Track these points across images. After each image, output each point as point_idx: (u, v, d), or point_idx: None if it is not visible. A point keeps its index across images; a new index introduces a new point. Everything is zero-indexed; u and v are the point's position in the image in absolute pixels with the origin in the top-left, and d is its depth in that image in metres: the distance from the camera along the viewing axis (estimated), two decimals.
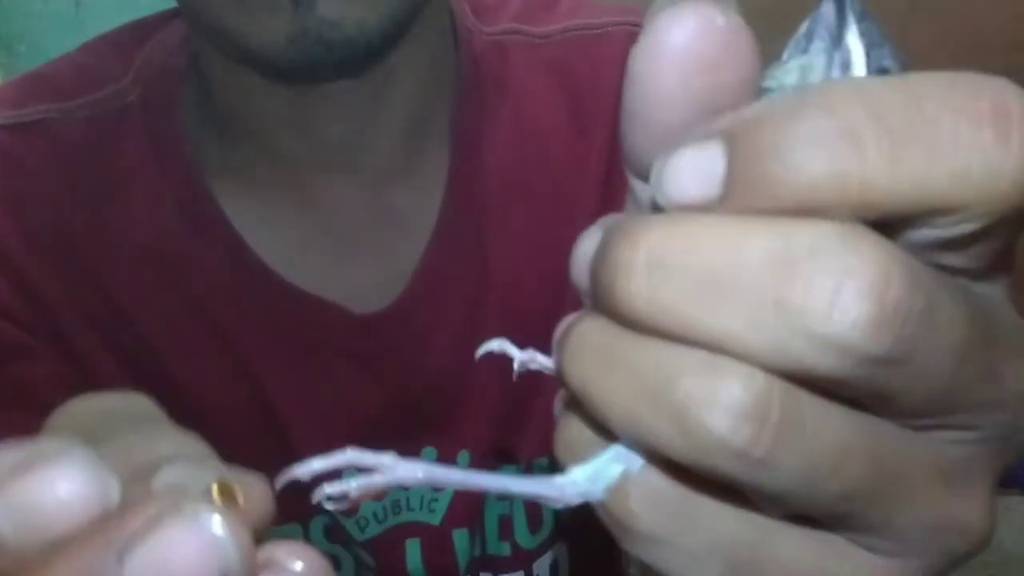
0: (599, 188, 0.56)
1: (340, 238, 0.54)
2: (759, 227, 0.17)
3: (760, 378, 0.17)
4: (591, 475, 0.21)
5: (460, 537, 0.56)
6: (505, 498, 0.57)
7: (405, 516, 0.55)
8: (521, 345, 0.57)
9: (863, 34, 0.20)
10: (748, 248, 0.17)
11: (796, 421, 0.17)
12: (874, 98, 0.17)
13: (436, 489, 0.56)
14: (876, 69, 0.20)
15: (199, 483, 0.18)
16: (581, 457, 0.21)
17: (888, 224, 0.17)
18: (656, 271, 0.17)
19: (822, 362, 0.17)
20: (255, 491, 0.19)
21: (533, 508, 0.57)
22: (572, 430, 0.22)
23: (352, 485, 0.20)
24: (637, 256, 0.18)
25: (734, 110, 0.18)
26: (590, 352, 0.19)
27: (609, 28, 0.59)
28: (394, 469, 0.20)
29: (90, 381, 0.50)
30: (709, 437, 0.17)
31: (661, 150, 0.18)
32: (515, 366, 0.25)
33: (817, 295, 0.16)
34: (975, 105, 0.17)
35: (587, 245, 0.21)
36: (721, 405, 0.17)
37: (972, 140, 0.16)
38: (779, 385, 0.17)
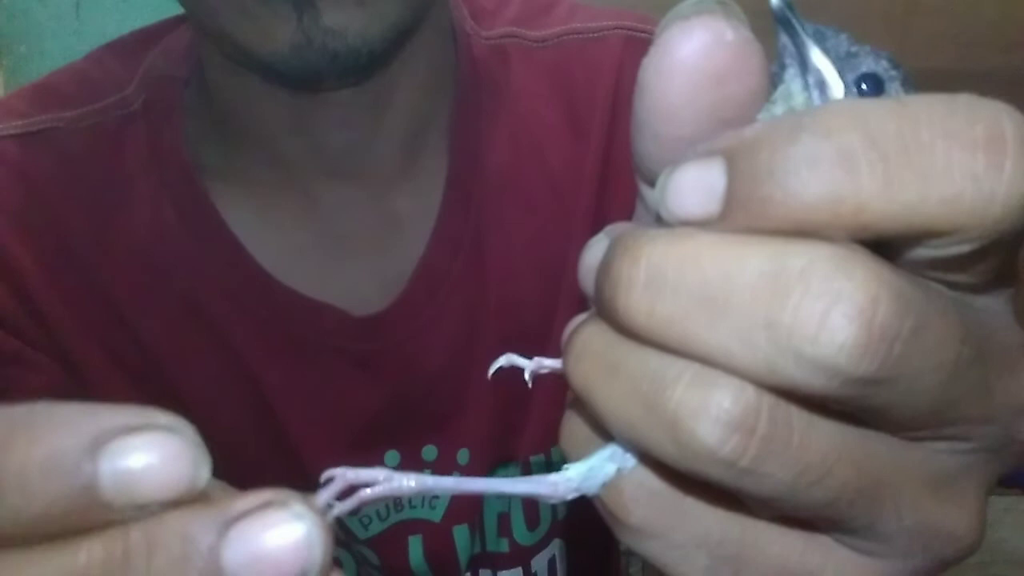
0: (594, 189, 0.57)
1: (340, 241, 0.54)
2: (754, 248, 0.17)
3: (750, 391, 0.18)
4: (586, 473, 0.22)
5: (461, 534, 0.56)
6: (503, 496, 0.57)
7: (407, 513, 0.56)
8: (518, 341, 0.58)
9: (828, 51, 0.21)
10: (742, 268, 0.17)
11: (783, 433, 0.18)
12: (870, 123, 0.17)
13: None
14: (858, 77, 0.21)
15: None
16: (581, 451, 0.22)
17: (887, 242, 0.18)
18: (655, 287, 0.18)
19: (810, 382, 0.17)
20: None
21: (531, 506, 0.58)
22: (574, 426, 0.23)
23: (353, 499, 0.21)
24: (638, 272, 0.18)
25: (742, 123, 0.19)
26: (592, 357, 0.20)
27: (605, 32, 0.59)
28: (389, 480, 0.21)
29: (89, 390, 0.50)
30: (698, 445, 0.18)
31: (669, 159, 0.19)
32: (527, 376, 0.26)
33: (806, 318, 0.17)
34: (970, 131, 0.17)
35: (594, 253, 0.21)
36: (711, 416, 0.18)
37: (965, 166, 0.17)
38: (768, 399, 0.18)
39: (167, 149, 0.53)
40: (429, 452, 0.56)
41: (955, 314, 0.18)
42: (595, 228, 0.62)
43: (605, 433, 0.21)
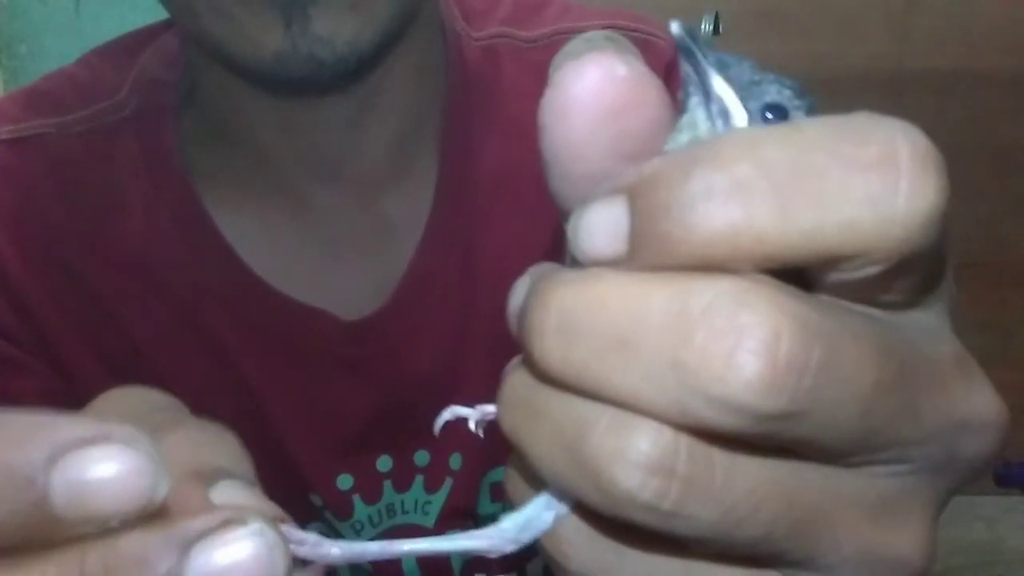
0: None
1: (330, 246, 0.54)
2: (659, 286, 0.17)
3: (667, 433, 0.17)
4: (523, 523, 0.22)
5: None
6: (498, 499, 0.57)
7: (400, 519, 0.56)
8: (509, 344, 0.57)
9: (730, 79, 0.21)
10: (648, 308, 0.17)
11: (705, 473, 0.18)
12: (763, 151, 0.17)
13: (430, 491, 0.56)
14: (763, 106, 0.21)
15: (248, 502, 0.20)
16: (522, 498, 0.22)
17: (804, 270, 0.18)
18: (565, 332, 0.18)
19: (721, 421, 0.17)
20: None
21: None
22: (511, 473, 0.23)
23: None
24: (548, 319, 0.18)
25: (649, 155, 0.19)
26: (518, 404, 0.20)
27: None
28: (317, 546, 0.21)
29: (81, 394, 0.50)
30: (619, 491, 0.18)
31: (580, 197, 0.19)
32: (471, 426, 0.26)
33: (711, 357, 0.17)
34: (863, 152, 0.17)
35: (517, 298, 0.21)
36: (629, 460, 0.17)
37: (860, 190, 0.17)
38: (686, 440, 0.18)
39: (159, 153, 0.53)
40: (421, 457, 0.55)
41: (871, 338, 0.18)
42: None
43: (539, 480, 0.21)
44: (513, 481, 0.22)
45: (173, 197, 0.52)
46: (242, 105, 0.51)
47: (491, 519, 0.63)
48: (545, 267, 0.22)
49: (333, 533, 0.54)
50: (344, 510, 0.54)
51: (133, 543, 0.17)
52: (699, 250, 0.17)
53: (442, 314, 0.54)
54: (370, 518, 0.55)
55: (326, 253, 0.54)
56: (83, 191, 0.52)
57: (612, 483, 0.18)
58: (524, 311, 0.19)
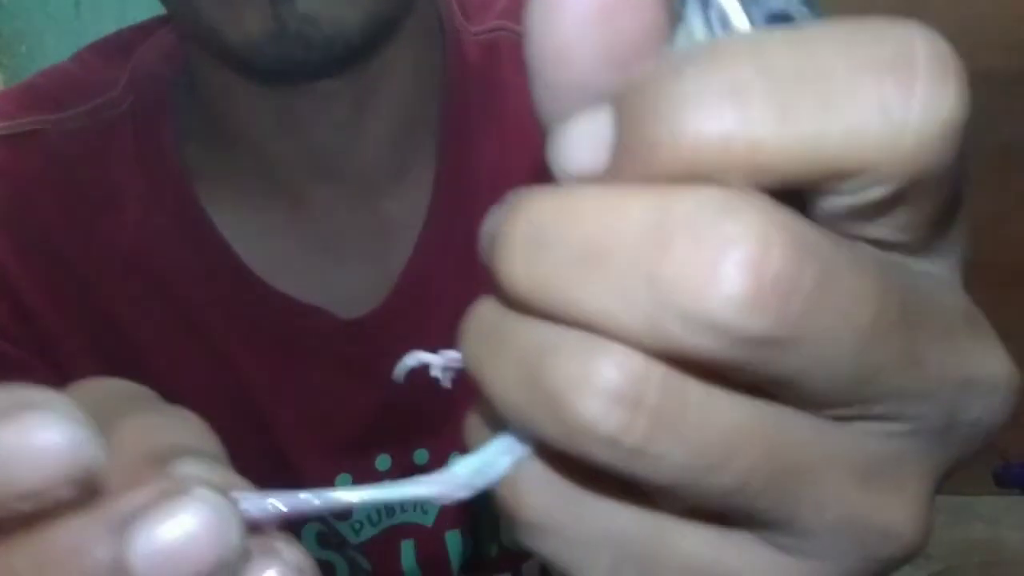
0: None
1: (328, 244, 0.54)
2: (638, 196, 0.15)
3: (637, 360, 0.16)
4: (478, 467, 0.20)
5: (452, 538, 0.56)
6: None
7: (399, 518, 0.56)
8: None
9: None
10: (624, 219, 0.15)
11: (676, 407, 0.16)
12: (764, 52, 0.15)
13: None
14: (767, 15, 0.18)
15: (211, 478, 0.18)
16: (476, 443, 0.20)
17: (798, 194, 0.16)
18: (532, 245, 0.16)
19: (697, 342, 0.15)
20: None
21: None
22: (473, 418, 0.21)
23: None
24: (516, 230, 0.17)
25: (639, 64, 0.17)
26: (482, 332, 0.18)
27: None
28: (257, 501, 0.18)
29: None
30: (579, 421, 0.16)
31: (565, 109, 0.17)
32: (436, 372, 0.24)
33: (690, 269, 0.15)
34: (876, 53, 0.15)
35: (489, 223, 0.19)
36: (592, 387, 0.16)
37: (870, 92, 0.15)
38: (659, 369, 0.16)
39: (156, 151, 0.53)
40: (420, 456, 0.55)
41: (872, 268, 0.16)
42: None
43: (500, 422, 0.19)
44: (473, 426, 0.21)
45: (170, 195, 0.52)
46: (239, 102, 0.51)
47: (489, 519, 0.63)
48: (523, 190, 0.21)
49: (331, 532, 0.54)
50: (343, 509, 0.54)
51: (63, 532, 0.15)
52: (687, 155, 0.15)
53: (441, 311, 0.54)
54: (369, 517, 0.55)
55: (324, 251, 0.54)
56: (79, 188, 0.52)
57: (572, 413, 0.16)
58: (491, 227, 0.17)
